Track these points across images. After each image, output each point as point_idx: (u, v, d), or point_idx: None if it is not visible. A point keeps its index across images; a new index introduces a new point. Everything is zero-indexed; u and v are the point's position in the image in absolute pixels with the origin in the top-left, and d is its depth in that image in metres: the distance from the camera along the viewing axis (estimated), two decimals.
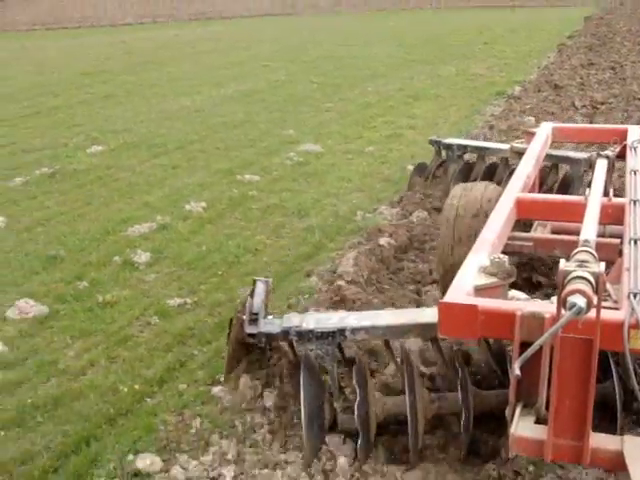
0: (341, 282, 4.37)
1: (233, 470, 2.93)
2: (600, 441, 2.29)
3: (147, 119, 10.81)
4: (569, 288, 2.04)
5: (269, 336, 3.07)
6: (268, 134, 9.44)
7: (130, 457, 3.05)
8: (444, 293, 2.65)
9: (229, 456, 3.02)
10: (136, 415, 3.45)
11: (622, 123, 8.15)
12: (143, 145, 9.15)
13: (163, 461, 3.02)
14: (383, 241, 5.11)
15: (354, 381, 2.82)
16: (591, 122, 8.72)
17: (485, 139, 7.98)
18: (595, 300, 2.05)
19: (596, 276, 2.08)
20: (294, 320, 3.05)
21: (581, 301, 2.00)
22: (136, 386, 3.68)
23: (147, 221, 6.11)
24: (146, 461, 2.99)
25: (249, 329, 3.06)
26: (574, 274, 2.08)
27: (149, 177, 7.65)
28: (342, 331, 2.92)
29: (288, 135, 9.29)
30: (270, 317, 3.16)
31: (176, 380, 3.73)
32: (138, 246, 5.59)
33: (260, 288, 3.22)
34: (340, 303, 4.10)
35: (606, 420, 2.76)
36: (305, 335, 2.96)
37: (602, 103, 9.86)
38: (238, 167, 7.81)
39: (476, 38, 20.27)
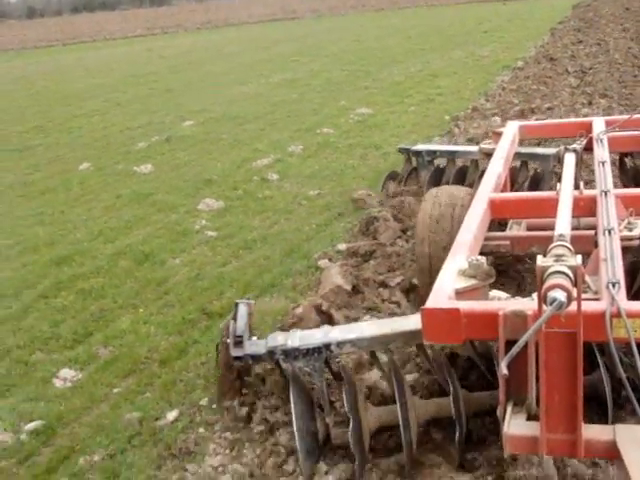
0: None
1: None
2: (593, 432, 2.29)
3: (216, 102, 13.05)
4: (548, 283, 2.05)
5: (255, 357, 3.04)
6: (324, 105, 11.68)
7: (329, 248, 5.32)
8: (425, 298, 2.60)
9: None
10: (316, 239, 5.69)
11: (605, 85, 10.22)
12: (225, 119, 11.39)
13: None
14: None
15: (344, 397, 2.78)
16: (582, 81, 10.96)
17: (499, 97, 10.25)
18: (575, 293, 2.05)
19: (574, 269, 2.08)
20: (279, 339, 3.01)
21: (561, 295, 2.00)
22: (308, 227, 5.93)
23: (264, 158, 8.35)
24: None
25: (235, 352, 3.05)
26: (552, 269, 2.08)
27: (247, 135, 9.90)
28: (328, 346, 2.88)
29: (342, 105, 11.45)
30: (254, 338, 3.14)
31: (330, 224, 5.97)
32: (266, 171, 7.85)
33: (242, 310, 3.17)
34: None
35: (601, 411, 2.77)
36: (291, 353, 2.92)
37: (590, 68, 12.04)
38: (313, 126, 10.01)
39: (476, 28, 22.27)
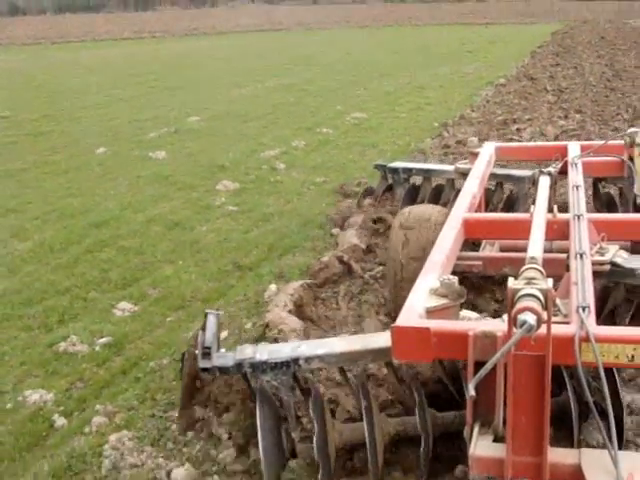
0: None
1: None
2: (558, 456, 2.29)
3: (217, 102, 13.87)
4: (518, 306, 2.06)
5: (222, 369, 2.99)
6: (321, 109, 12.59)
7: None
8: (396, 316, 2.61)
9: None
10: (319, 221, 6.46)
11: (580, 102, 11.29)
12: (228, 116, 12.21)
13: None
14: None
15: (311, 413, 2.76)
16: (559, 98, 11.94)
17: (484, 109, 11.20)
18: (545, 316, 2.06)
19: (544, 292, 2.09)
20: (247, 352, 2.98)
21: (531, 318, 2.01)
22: (317, 210, 6.71)
23: (270, 150, 9.18)
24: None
25: (202, 363, 3.00)
26: (523, 292, 2.10)
27: (252, 131, 10.72)
28: (296, 360, 2.87)
29: (338, 109, 12.39)
30: (222, 350, 3.08)
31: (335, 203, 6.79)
32: (274, 161, 8.66)
33: (211, 322, 3.12)
34: None
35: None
36: (259, 366, 2.91)
37: (566, 88, 13.17)
38: (313, 126, 10.90)
39: (460, 48, 23.33)
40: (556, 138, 8.70)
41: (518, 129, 9.40)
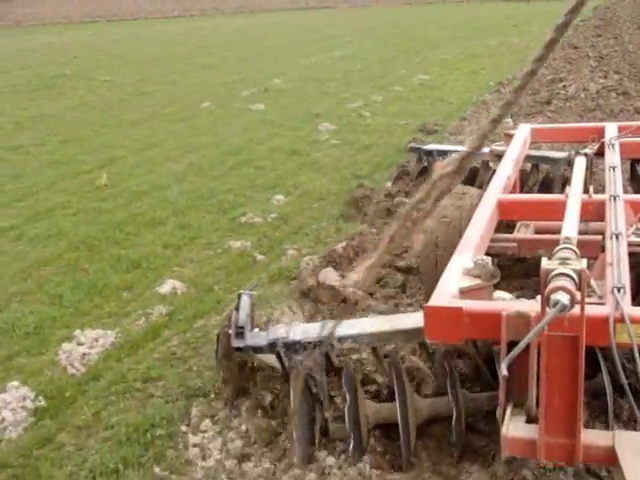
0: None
1: None
2: (592, 438, 2.28)
3: (292, 68, 15.61)
4: (552, 286, 2.06)
5: (256, 349, 3.07)
6: (388, 72, 14.26)
7: None
8: (429, 297, 2.62)
9: None
10: None
11: (619, 66, 12.79)
12: (307, 79, 13.94)
13: None
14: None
15: (344, 387, 2.82)
16: (599, 63, 13.43)
17: None
18: (578, 296, 2.05)
19: (578, 272, 2.09)
20: (280, 331, 3.05)
21: (564, 298, 2.01)
22: (406, 141, 8.39)
23: (353, 103, 10.95)
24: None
25: (236, 343, 3.08)
26: (556, 272, 2.10)
27: (332, 90, 12.47)
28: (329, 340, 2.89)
29: (402, 73, 14.06)
30: (256, 330, 3.16)
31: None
32: (359, 110, 10.43)
33: (245, 301, 3.18)
34: None
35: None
36: (292, 346, 2.96)
37: (606, 55, 14.60)
38: (385, 85, 12.62)
39: (505, 22, 24.64)
40: (597, 92, 10.23)
41: (564, 85, 10.93)
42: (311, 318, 3.96)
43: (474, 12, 31.87)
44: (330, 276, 4.37)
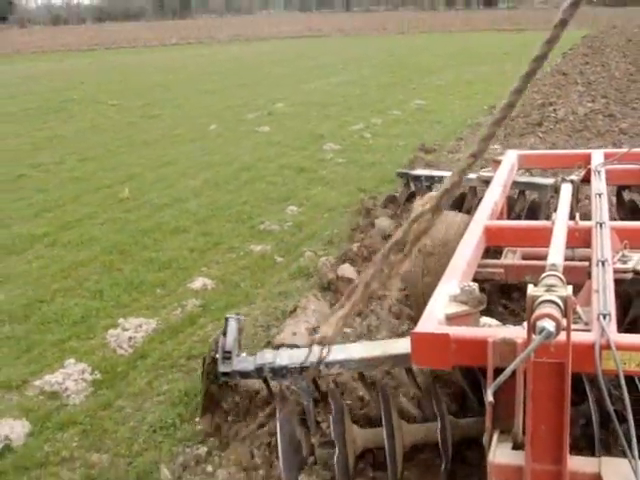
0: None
1: None
2: (578, 464, 2.28)
3: (293, 93, 16.20)
4: (537, 313, 2.06)
5: (243, 374, 3.06)
6: (386, 97, 14.90)
7: None
8: (416, 322, 2.62)
9: None
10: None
11: (606, 91, 13.47)
12: (309, 104, 14.48)
13: None
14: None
15: (331, 424, 2.79)
16: (587, 88, 14.08)
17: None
18: (564, 323, 2.06)
19: (564, 299, 2.09)
20: (267, 356, 3.03)
21: (550, 325, 2.01)
22: (407, 159, 8.97)
23: (355, 125, 11.54)
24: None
25: (223, 367, 3.05)
26: (542, 298, 2.10)
27: (333, 113, 13.06)
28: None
29: (400, 98, 14.71)
30: (243, 355, 3.15)
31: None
32: (361, 132, 10.99)
33: (232, 326, 3.19)
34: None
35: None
36: (279, 371, 2.94)
37: (594, 80, 15.33)
38: (384, 109, 13.24)
39: (497, 50, 25.40)
40: (585, 115, 10.87)
41: (554, 109, 11.58)
42: (331, 307, 4.45)
43: (466, 41, 32.80)
44: (348, 270, 4.89)
